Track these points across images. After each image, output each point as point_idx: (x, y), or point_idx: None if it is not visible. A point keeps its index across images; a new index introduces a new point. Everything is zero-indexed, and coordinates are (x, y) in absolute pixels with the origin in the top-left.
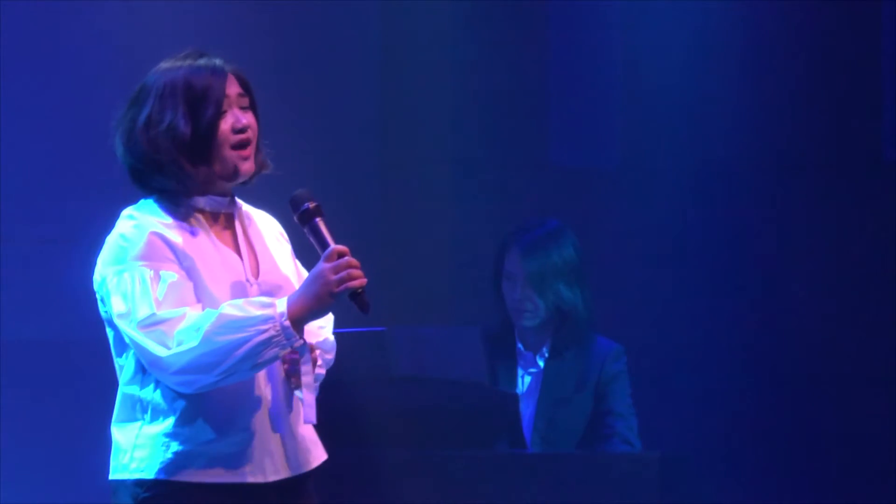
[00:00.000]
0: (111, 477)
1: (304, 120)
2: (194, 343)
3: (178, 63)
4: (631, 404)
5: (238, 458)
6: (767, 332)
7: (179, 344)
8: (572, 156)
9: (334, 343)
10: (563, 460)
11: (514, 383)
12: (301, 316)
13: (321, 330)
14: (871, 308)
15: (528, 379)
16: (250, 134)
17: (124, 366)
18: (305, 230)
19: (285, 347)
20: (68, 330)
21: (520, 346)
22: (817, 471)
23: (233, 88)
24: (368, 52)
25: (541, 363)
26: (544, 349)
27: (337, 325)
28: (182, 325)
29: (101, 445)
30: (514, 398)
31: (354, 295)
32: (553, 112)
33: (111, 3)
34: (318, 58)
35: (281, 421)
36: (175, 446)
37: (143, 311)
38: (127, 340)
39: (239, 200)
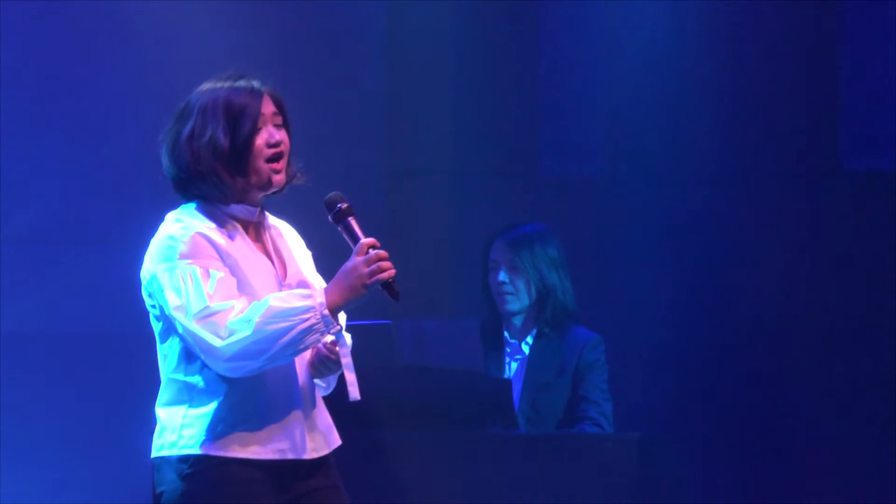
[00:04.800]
0: (155, 454)
1: (317, 130)
2: (247, 332)
3: (220, 83)
4: (606, 390)
5: (275, 438)
6: (736, 325)
7: (231, 334)
8: (560, 165)
9: (349, 343)
10: (551, 440)
11: (501, 369)
12: (338, 305)
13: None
14: (831, 304)
15: (514, 365)
16: (282, 148)
17: (169, 354)
18: (339, 228)
19: (325, 334)
20: (103, 323)
21: (506, 335)
22: (787, 449)
23: (268, 107)
24: (375, 69)
25: (526, 350)
26: (529, 337)
27: (347, 319)
28: (233, 316)
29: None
30: (508, 384)
31: (385, 285)
32: (543, 126)
33: (140, 3)
34: (329, 72)
35: (309, 406)
36: (220, 426)
37: (197, 305)
38: (181, 331)
39: (266, 213)
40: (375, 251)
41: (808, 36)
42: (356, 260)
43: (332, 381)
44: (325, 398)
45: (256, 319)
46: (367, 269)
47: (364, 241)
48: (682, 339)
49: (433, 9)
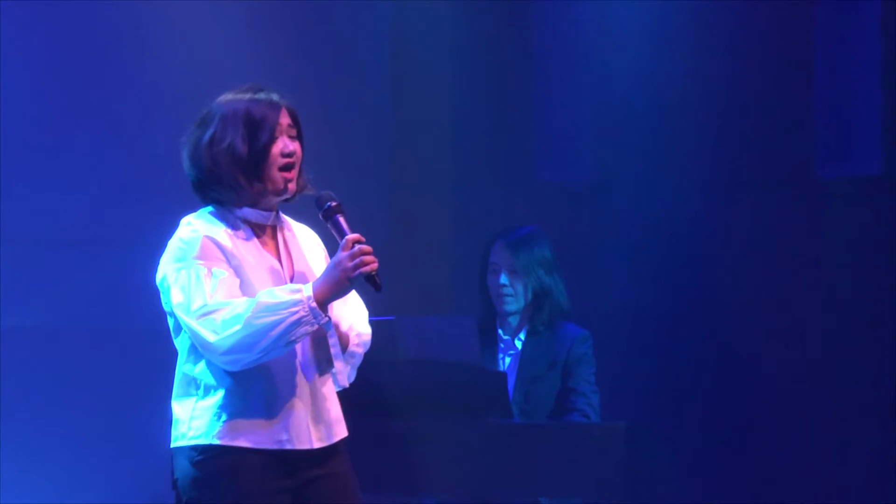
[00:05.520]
0: (172, 445)
1: (327, 142)
2: (238, 327)
3: (241, 94)
4: (593, 382)
5: (277, 428)
6: (716, 322)
7: (225, 329)
8: (553, 174)
9: (370, 332)
10: (543, 429)
11: (495, 363)
12: (325, 298)
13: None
14: (806, 305)
15: (507, 360)
16: (295, 159)
17: (180, 349)
18: (329, 224)
19: (314, 325)
20: (120, 322)
21: (500, 331)
22: (764, 437)
23: (285, 119)
24: (380, 85)
25: (518, 345)
26: (521, 334)
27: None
28: (227, 313)
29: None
30: (503, 377)
31: (368, 277)
32: (536, 139)
33: (158, 8)
34: (337, 87)
35: (315, 398)
36: (225, 416)
37: (197, 303)
38: (183, 326)
39: (283, 215)
40: (359, 246)
41: (781, 46)
42: (341, 254)
43: (350, 374)
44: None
45: (247, 315)
46: (350, 263)
47: (349, 235)
48: (666, 335)
49: (437, 30)
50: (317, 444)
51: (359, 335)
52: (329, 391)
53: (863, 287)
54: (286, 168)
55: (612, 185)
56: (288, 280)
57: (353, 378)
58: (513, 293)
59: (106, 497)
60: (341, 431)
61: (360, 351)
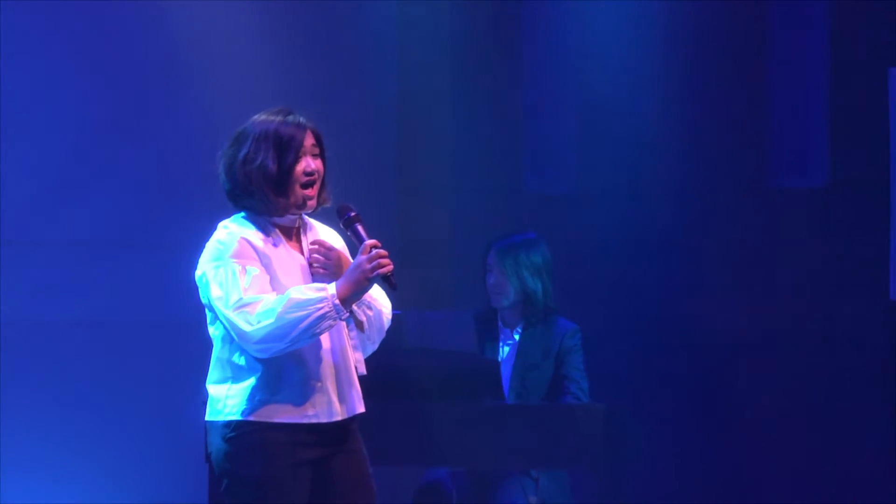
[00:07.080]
0: (207, 419)
1: (338, 154)
2: (271, 320)
3: (272, 117)
4: (583, 370)
5: (304, 405)
6: (687, 317)
7: (259, 321)
8: (540, 183)
9: (384, 302)
10: (531, 410)
11: (496, 352)
12: (347, 296)
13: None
14: (762, 307)
15: (506, 349)
16: (316, 176)
17: (216, 338)
18: (349, 232)
19: (336, 320)
20: (172, 313)
21: (500, 324)
22: (725, 414)
23: (309, 140)
24: (386, 103)
25: (516, 337)
26: (519, 327)
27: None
28: (261, 307)
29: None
30: (496, 364)
31: (385, 278)
32: (526, 150)
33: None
34: (347, 106)
35: (339, 378)
36: (258, 396)
37: (234, 297)
38: (220, 318)
39: (307, 218)
40: (377, 250)
41: (736, 60)
42: (361, 258)
43: (371, 334)
44: None
45: (279, 309)
46: (369, 266)
47: (368, 241)
48: (643, 326)
49: (437, 51)
50: (338, 417)
51: (371, 300)
52: (350, 373)
53: (812, 285)
54: (307, 185)
55: (592, 196)
56: (311, 273)
57: (376, 340)
58: (499, 292)
59: (147, 494)
60: (360, 407)
61: (371, 313)
